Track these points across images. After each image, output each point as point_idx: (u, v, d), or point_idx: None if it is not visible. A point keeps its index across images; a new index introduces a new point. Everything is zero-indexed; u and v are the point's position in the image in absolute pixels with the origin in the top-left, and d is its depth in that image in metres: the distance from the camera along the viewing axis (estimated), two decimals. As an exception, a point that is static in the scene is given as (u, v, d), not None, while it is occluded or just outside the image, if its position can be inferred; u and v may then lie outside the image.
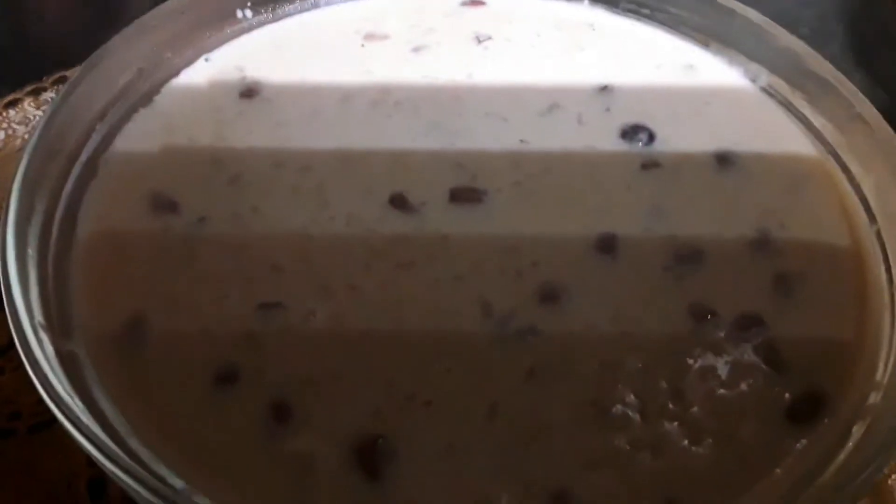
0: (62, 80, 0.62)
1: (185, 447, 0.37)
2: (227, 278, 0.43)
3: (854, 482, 0.35)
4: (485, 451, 0.38)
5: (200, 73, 0.53)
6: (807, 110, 0.53)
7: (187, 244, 0.44)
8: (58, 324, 0.39)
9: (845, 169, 0.50)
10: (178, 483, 0.35)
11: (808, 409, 0.40)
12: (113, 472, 0.33)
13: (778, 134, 0.52)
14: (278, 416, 0.38)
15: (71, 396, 0.35)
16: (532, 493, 0.36)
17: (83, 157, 0.47)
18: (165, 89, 0.51)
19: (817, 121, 0.52)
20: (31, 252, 0.40)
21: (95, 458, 0.33)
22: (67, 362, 0.38)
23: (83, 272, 0.42)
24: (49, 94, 0.62)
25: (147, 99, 0.51)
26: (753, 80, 0.55)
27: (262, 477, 0.36)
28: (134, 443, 0.36)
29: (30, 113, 0.61)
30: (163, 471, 0.35)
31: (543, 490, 0.37)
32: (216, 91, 0.52)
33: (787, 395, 0.40)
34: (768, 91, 0.54)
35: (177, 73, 0.52)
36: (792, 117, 0.53)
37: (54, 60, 0.63)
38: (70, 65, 0.62)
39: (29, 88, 0.62)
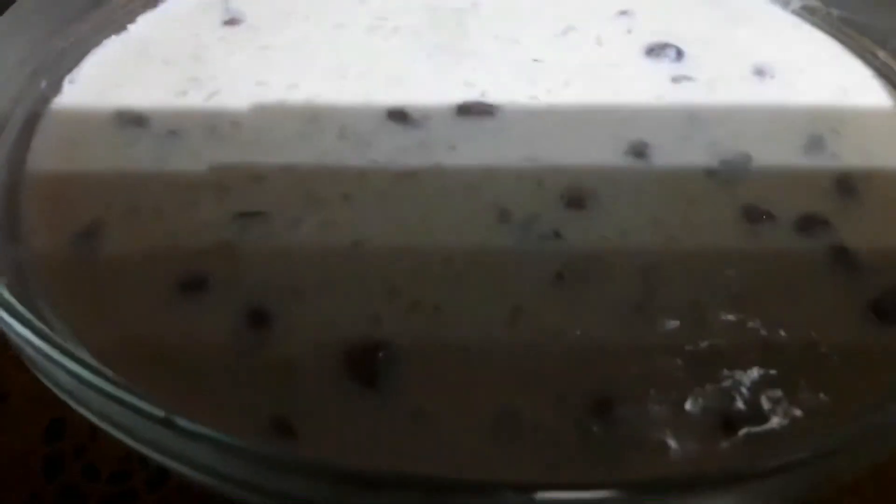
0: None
1: (143, 358, 0.30)
2: (200, 187, 0.37)
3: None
4: (507, 358, 0.31)
5: (181, 4, 0.48)
6: (847, 26, 0.48)
7: (155, 155, 0.38)
8: (4, 228, 0.34)
9: (894, 75, 0.44)
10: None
11: (895, 305, 0.33)
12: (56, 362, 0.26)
13: (816, 49, 0.47)
14: (255, 323, 0.31)
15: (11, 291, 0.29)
16: (568, 402, 0.29)
17: (45, 76, 0.41)
18: (141, 18, 0.47)
19: (858, 36, 0.47)
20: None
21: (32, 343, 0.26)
22: (10, 267, 0.32)
23: (37, 180, 0.36)
24: None
25: (120, 27, 0.46)
26: (785, 5, 0.50)
27: (234, 388, 0.29)
28: (84, 354, 0.30)
29: None
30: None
31: (583, 398, 0.29)
32: (196, 19, 0.47)
33: (867, 294, 0.33)
34: (801, 14, 0.50)
35: (155, 4, 0.48)
36: (831, 34, 0.48)
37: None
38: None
39: None
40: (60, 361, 0.25)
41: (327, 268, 0.34)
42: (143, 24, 0.46)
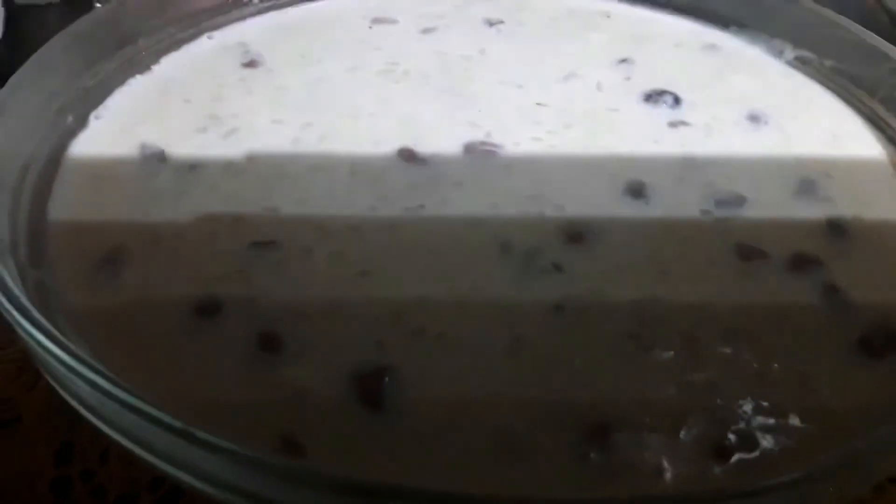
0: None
1: (158, 379, 0.31)
2: (216, 218, 0.38)
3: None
4: (506, 384, 0.32)
5: (203, 47, 0.51)
6: (839, 76, 0.50)
7: (175, 188, 0.40)
8: (28, 254, 0.35)
9: (887, 125, 0.46)
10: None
11: (882, 342, 0.34)
12: (87, 379, 0.27)
13: (810, 98, 0.49)
14: (267, 347, 0.33)
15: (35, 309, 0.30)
16: (565, 427, 0.31)
17: (72, 112, 0.44)
18: (165, 59, 0.49)
19: (849, 86, 0.49)
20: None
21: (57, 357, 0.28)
22: (34, 289, 0.33)
23: (62, 209, 0.38)
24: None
25: (144, 67, 0.48)
26: (779, 55, 0.53)
27: (248, 409, 0.31)
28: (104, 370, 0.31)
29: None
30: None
31: (579, 424, 0.31)
32: (218, 61, 0.49)
33: (856, 331, 0.35)
34: (794, 64, 0.52)
35: (178, 47, 0.50)
36: (823, 84, 0.50)
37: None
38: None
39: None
40: (80, 371, 0.26)
41: (335, 295, 0.35)
42: (167, 65, 0.49)
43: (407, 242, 0.38)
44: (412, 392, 0.31)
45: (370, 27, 0.54)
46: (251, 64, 0.49)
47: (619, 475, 0.29)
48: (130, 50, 0.48)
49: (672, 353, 0.34)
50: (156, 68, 0.49)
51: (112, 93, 0.46)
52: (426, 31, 0.53)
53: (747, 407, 0.32)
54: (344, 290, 0.35)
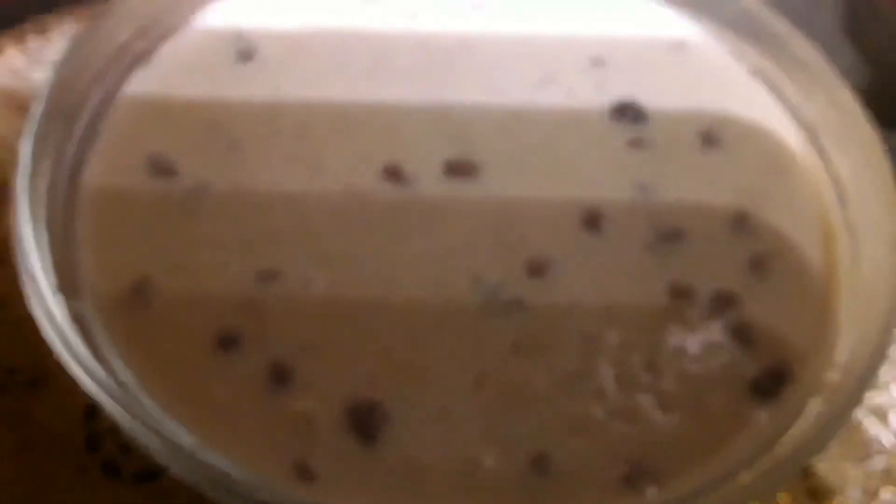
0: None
1: (193, 408, 0.39)
2: (228, 245, 0.44)
3: (805, 449, 0.39)
4: (472, 417, 0.40)
5: (197, 31, 0.53)
6: (792, 94, 0.54)
7: (188, 209, 0.45)
8: (67, 286, 0.41)
9: (823, 154, 0.52)
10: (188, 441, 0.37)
11: (770, 384, 0.43)
12: (134, 430, 0.35)
13: (762, 116, 0.54)
14: (279, 378, 0.40)
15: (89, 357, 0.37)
16: (513, 455, 0.39)
17: (84, 119, 0.47)
18: (163, 48, 0.51)
19: (801, 105, 0.54)
20: (41, 215, 0.41)
21: (118, 419, 0.36)
22: (77, 323, 0.40)
23: (90, 236, 0.43)
24: (33, 43, 0.62)
25: (144, 59, 0.51)
26: (740, 60, 0.57)
27: (265, 433, 0.39)
28: (146, 400, 0.39)
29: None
30: (174, 427, 0.38)
31: (524, 453, 0.40)
32: (212, 51, 0.52)
33: (752, 370, 0.43)
34: (755, 73, 0.56)
35: (173, 31, 0.52)
36: (777, 100, 0.55)
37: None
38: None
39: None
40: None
41: (336, 327, 0.42)
42: (164, 56, 0.51)
43: (394, 274, 0.44)
44: (400, 425, 0.39)
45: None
46: (245, 56, 0.52)
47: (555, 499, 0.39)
48: (130, 39, 0.50)
49: (602, 389, 0.42)
50: (154, 60, 0.51)
51: (118, 92, 0.49)
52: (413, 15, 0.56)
53: (655, 441, 0.41)
54: (343, 323, 0.42)
